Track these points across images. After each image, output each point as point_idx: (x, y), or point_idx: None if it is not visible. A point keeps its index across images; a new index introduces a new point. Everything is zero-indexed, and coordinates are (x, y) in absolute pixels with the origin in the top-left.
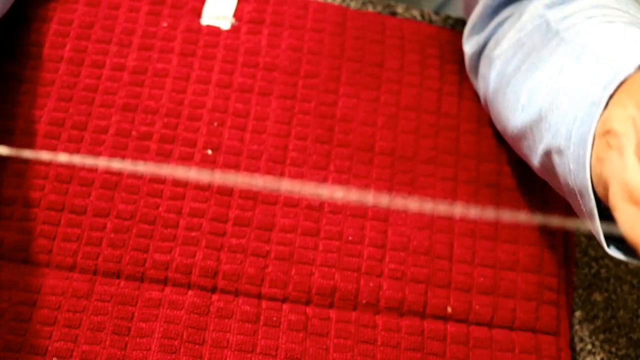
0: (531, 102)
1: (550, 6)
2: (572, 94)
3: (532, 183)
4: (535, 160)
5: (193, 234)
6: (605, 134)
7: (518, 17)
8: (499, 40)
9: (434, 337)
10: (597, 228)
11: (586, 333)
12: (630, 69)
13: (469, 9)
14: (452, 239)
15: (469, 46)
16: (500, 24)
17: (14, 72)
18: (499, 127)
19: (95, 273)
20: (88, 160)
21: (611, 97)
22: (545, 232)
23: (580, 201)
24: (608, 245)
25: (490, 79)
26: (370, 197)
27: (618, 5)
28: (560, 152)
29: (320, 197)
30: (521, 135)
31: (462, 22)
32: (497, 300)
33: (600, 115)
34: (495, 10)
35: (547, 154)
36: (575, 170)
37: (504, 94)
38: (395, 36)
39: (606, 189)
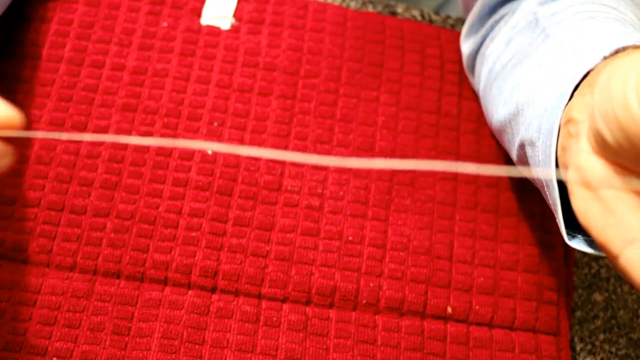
0: (512, 97)
1: (542, 3)
2: (546, 87)
3: (532, 183)
4: (514, 153)
5: (193, 234)
6: (567, 123)
7: (512, 15)
8: (494, 37)
9: (434, 337)
10: (559, 218)
11: (586, 333)
12: (596, 60)
13: (467, 9)
14: (452, 239)
15: (466, 46)
16: (497, 22)
17: (14, 72)
18: (488, 122)
19: (95, 273)
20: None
21: (577, 88)
22: (546, 232)
23: (547, 192)
24: (571, 238)
25: (482, 76)
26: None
27: (607, 2)
28: (532, 144)
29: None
30: (502, 130)
31: (462, 22)
32: (497, 300)
33: (565, 106)
34: (492, 9)
35: (522, 147)
36: (543, 160)
37: (491, 89)
38: (395, 36)
39: None
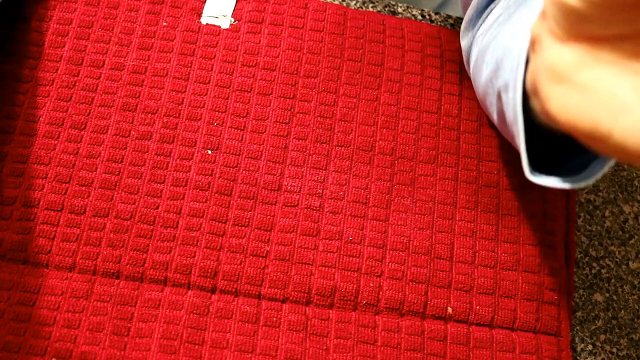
0: (492, 57)
1: None
2: (520, 33)
3: (532, 182)
4: (494, 113)
5: (192, 234)
6: (532, 45)
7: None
8: (485, 20)
9: (434, 337)
10: (523, 151)
11: (587, 334)
12: None
13: (465, 9)
14: (452, 239)
15: (465, 40)
16: (492, 10)
17: (13, 71)
18: (477, 95)
19: (94, 273)
20: None
21: None
22: (546, 232)
23: (514, 130)
24: (532, 172)
25: (472, 56)
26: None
27: None
28: (506, 87)
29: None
30: (485, 93)
31: (462, 22)
32: (498, 300)
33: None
34: (489, 3)
35: (499, 97)
36: (513, 94)
37: (477, 62)
38: (395, 36)
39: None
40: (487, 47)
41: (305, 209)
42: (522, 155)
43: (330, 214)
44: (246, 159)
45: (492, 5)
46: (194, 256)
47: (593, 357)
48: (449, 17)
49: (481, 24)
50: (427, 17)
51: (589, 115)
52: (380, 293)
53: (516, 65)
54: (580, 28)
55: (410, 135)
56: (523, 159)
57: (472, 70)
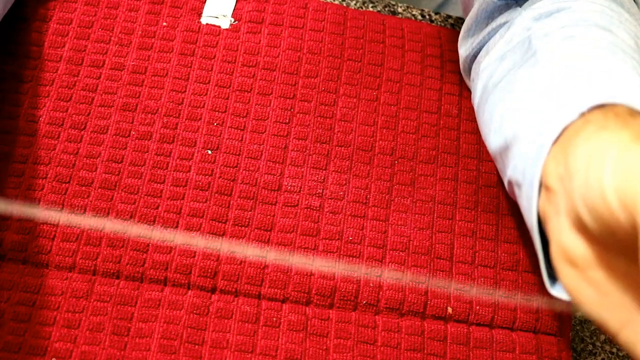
0: (501, 128)
1: (537, 18)
2: (531, 128)
3: None
4: (505, 182)
5: (192, 234)
6: (546, 189)
7: (508, 28)
8: (489, 50)
9: (434, 337)
10: (543, 269)
11: (587, 334)
12: (574, 116)
13: (466, 10)
14: (452, 239)
15: (463, 49)
16: (495, 30)
17: (13, 71)
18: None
19: (94, 273)
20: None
21: (555, 142)
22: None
23: (531, 235)
24: (553, 285)
25: (477, 90)
26: None
27: (600, 21)
28: (519, 186)
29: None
30: (495, 157)
31: (462, 22)
32: (498, 300)
33: (544, 163)
34: (490, 15)
35: (510, 184)
36: (527, 209)
37: (484, 110)
38: (395, 36)
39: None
40: (494, 104)
41: (305, 209)
42: (542, 270)
43: (330, 214)
44: (246, 159)
45: (492, 24)
46: (194, 256)
47: (593, 357)
48: (449, 17)
49: (482, 44)
50: (427, 17)
51: (597, 312)
52: (380, 293)
53: (529, 181)
54: (595, 237)
55: (410, 135)
56: (543, 274)
57: (475, 107)
